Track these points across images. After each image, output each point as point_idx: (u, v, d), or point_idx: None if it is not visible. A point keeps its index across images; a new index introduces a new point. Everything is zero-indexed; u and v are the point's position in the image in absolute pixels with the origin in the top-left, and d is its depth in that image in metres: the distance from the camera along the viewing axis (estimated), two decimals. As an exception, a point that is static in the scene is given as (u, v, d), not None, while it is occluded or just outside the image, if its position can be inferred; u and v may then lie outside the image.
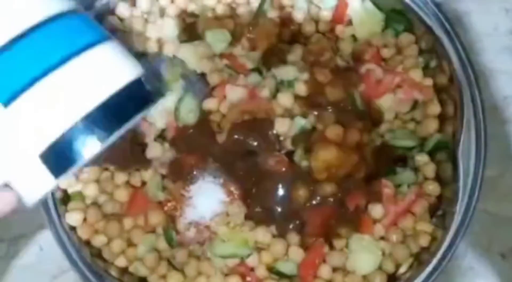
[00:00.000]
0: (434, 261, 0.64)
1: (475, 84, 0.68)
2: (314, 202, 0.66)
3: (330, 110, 0.67)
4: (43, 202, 0.68)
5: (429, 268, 0.64)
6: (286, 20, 0.76)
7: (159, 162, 0.70)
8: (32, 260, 0.74)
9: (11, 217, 0.38)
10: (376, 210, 0.67)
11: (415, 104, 0.71)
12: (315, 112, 0.67)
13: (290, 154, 0.68)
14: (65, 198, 0.70)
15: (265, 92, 0.69)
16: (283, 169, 0.67)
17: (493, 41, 0.78)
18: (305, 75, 0.68)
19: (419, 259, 0.67)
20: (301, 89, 0.68)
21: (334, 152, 0.63)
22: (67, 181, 0.69)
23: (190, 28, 0.74)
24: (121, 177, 0.70)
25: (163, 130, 0.71)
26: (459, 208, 0.65)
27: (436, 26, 0.69)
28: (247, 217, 0.68)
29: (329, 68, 0.68)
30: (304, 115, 0.68)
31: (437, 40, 0.69)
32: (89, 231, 0.68)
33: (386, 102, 0.70)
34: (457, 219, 0.65)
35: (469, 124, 0.66)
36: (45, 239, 0.73)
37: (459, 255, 0.69)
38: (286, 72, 0.69)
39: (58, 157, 0.35)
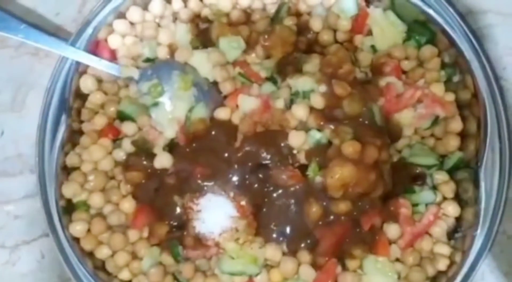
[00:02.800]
0: (453, 286, 0.61)
1: (500, 100, 0.65)
2: (327, 220, 0.64)
3: (347, 124, 0.64)
4: (46, 211, 0.66)
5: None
6: (303, 28, 0.73)
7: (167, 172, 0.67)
8: (33, 267, 0.72)
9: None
10: (392, 231, 0.64)
11: (436, 120, 0.68)
12: (332, 126, 0.64)
13: (303, 168, 0.65)
14: (69, 207, 0.67)
15: (279, 103, 0.66)
16: (296, 184, 0.65)
17: (519, 56, 0.74)
18: (323, 87, 0.65)
19: (435, 283, 0.64)
20: (318, 101, 0.65)
21: (351, 170, 0.60)
22: (72, 190, 0.66)
23: (204, 34, 0.72)
24: (127, 188, 0.67)
25: (172, 140, 0.68)
26: (481, 230, 0.62)
27: (460, 39, 0.66)
28: (257, 233, 0.65)
29: (348, 81, 0.65)
30: (320, 129, 0.65)
31: (461, 53, 0.67)
32: (93, 242, 0.66)
33: (406, 118, 0.67)
34: (477, 242, 0.62)
35: (493, 143, 0.64)
36: (48, 246, 0.71)
37: (477, 278, 0.65)
38: (302, 83, 0.67)
39: None
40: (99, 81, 0.71)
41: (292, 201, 0.65)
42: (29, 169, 0.73)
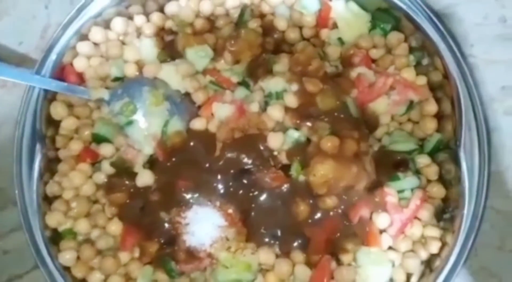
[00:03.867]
0: (447, 267, 0.61)
1: (470, 78, 0.65)
2: (316, 217, 0.64)
3: (323, 120, 0.63)
4: (33, 244, 0.65)
5: (442, 276, 0.61)
6: (268, 29, 0.73)
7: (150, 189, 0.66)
8: (26, 301, 0.71)
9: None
10: (381, 220, 0.64)
11: (410, 105, 0.68)
12: (309, 124, 0.64)
13: (286, 169, 0.65)
14: (56, 237, 0.66)
15: (254, 107, 0.66)
16: (281, 185, 0.64)
17: (485, 31, 0.74)
18: (294, 86, 0.65)
19: (430, 267, 0.64)
20: (291, 100, 0.65)
21: (332, 165, 0.60)
22: (56, 219, 0.66)
23: (170, 46, 0.71)
24: (111, 210, 0.67)
25: (151, 156, 0.67)
26: (467, 209, 0.62)
27: (424, 22, 0.67)
28: (248, 239, 0.65)
29: (319, 76, 0.65)
30: (297, 128, 0.65)
31: (427, 36, 0.67)
32: (84, 269, 0.65)
33: (381, 106, 0.67)
34: (466, 221, 0.62)
35: (468, 121, 0.64)
36: (42, 278, 0.70)
37: (470, 256, 0.65)
38: (274, 84, 0.66)
39: None
40: (70, 106, 0.70)
41: (279, 202, 0.65)
42: (12, 202, 0.72)
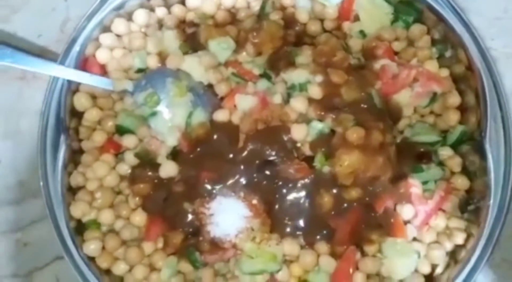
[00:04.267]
0: (473, 259, 0.61)
1: (495, 70, 0.65)
2: (340, 208, 0.64)
3: (347, 112, 0.64)
4: (58, 234, 0.65)
5: (468, 267, 0.61)
6: (289, 21, 0.73)
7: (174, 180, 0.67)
8: (49, 292, 0.71)
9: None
10: (405, 211, 0.64)
11: (433, 97, 0.68)
12: (332, 115, 0.64)
13: (309, 160, 0.65)
14: (80, 228, 0.66)
15: (277, 98, 0.66)
16: (305, 177, 0.64)
17: (505, 25, 0.75)
18: (319, 78, 0.65)
19: (455, 258, 0.64)
20: (315, 92, 0.65)
21: (359, 156, 0.60)
22: (80, 210, 0.66)
23: (191, 39, 0.71)
24: (135, 201, 0.67)
25: (174, 148, 0.67)
26: (494, 200, 0.62)
27: (448, 13, 0.67)
28: (272, 230, 0.65)
29: (343, 68, 0.65)
30: (321, 119, 0.65)
31: (451, 28, 0.67)
32: (109, 259, 0.65)
33: (404, 98, 0.67)
34: (492, 212, 0.62)
35: (494, 112, 0.64)
36: (61, 270, 0.70)
37: (495, 247, 0.65)
38: (297, 75, 0.66)
39: None
40: (93, 97, 0.70)
41: (303, 193, 0.65)
42: (32, 194, 0.72)
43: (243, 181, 0.65)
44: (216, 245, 0.64)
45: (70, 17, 0.78)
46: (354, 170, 0.61)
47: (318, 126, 0.64)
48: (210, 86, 0.69)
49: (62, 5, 0.79)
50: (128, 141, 0.68)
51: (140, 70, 0.70)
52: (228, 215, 0.64)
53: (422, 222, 0.64)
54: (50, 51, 0.76)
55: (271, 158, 0.65)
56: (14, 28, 0.78)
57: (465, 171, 0.67)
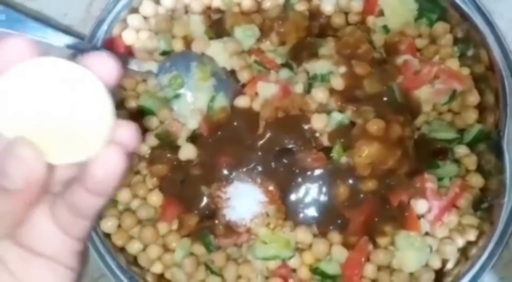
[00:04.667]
0: (484, 256, 0.62)
1: (516, 71, 0.66)
2: (355, 199, 0.64)
3: (368, 104, 0.64)
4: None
5: (478, 264, 0.62)
6: (314, 13, 0.73)
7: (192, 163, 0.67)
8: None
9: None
10: (420, 206, 0.65)
11: (453, 95, 0.69)
12: (353, 107, 0.65)
13: (326, 151, 0.65)
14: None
15: (298, 88, 0.67)
16: (321, 166, 0.65)
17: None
18: (342, 69, 0.66)
19: (466, 254, 0.65)
20: (338, 83, 0.66)
21: (378, 147, 0.61)
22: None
23: (217, 25, 0.72)
24: (153, 181, 0.68)
25: (194, 131, 0.68)
26: (508, 199, 0.63)
27: (473, 12, 0.67)
28: (286, 217, 0.66)
29: (367, 60, 0.66)
30: (341, 110, 0.65)
31: (474, 27, 0.67)
32: (124, 237, 0.66)
33: (424, 94, 0.68)
34: (506, 211, 0.63)
35: (512, 112, 0.65)
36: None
37: (506, 246, 0.66)
38: (320, 66, 0.67)
39: None
40: (117, 77, 0.71)
41: (319, 183, 0.66)
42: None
43: (260, 167, 0.66)
44: (230, 229, 0.65)
45: (96, -2, 0.79)
46: (372, 160, 0.62)
47: (338, 117, 0.65)
48: (232, 72, 0.70)
49: (89, -14, 0.80)
50: (149, 122, 0.69)
51: (165, 53, 0.70)
52: (244, 199, 0.65)
53: (436, 217, 0.65)
54: (75, 30, 0.77)
55: (289, 146, 0.66)
56: (40, 7, 0.78)
57: (480, 169, 0.67)
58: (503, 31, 0.72)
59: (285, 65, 0.70)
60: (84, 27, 0.76)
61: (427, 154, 0.68)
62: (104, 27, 0.70)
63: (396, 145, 0.62)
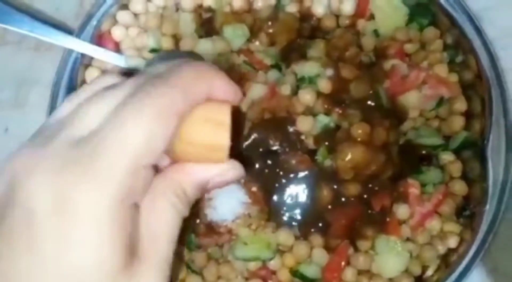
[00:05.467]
0: (464, 263, 0.62)
1: (504, 79, 0.66)
2: (338, 203, 0.64)
3: (354, 107, 0.64)
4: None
5: (459, 270, 0.62)
6: (305, 15, 0.73)
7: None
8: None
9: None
10: (402, 211, 0.65)
11: (440, 101, 0.69)
12: (339, 110, 0.65)
13: (311, 153, 0.65)
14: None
15: (286, 89, 0.66)
16: (306, 169, 0.65)
17: (515, 37, 0.75)
18: (329, 71, 0.65)
19: (446, 261, 0.65)
20: (325, 86, 0.65)
21: (362, 151, 0.61)
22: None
23: (207, 23, 0.72)
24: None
25: (180, 129, 0.68)
26: (489, 206, 0.63)
27: (462, 19, 0.67)
28: (269, 219, 0.66)
29: (354, 63, 0.66)
30: (327, 113, 0.65)
31: (463, 34, 0.67)
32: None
33: (411, 99, 0.68)
34: (486, 219, 0.63)
35: (498, 122, 0.65)
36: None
37: (485, 254, 0.66)
38: (308, 68, 0.67)
39: None
40: (105, 73, 0.71)
41: (303, 185, 0.65)
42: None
43: (245, 167, 0.66)
44: (212, 228, 0.65)
45: (89, -9, 0.79)
46: (355, 165, 0.61)
47: (324, 120, 0.65)
48: (221, 71, 0.70)
49: (82, -20, 0.80)
50: (135, 118, 0.68)
51: (153, 50, 0.70)
52: (226, 200, 0.65)
53: (418, 223, 0.65)
54: (67, 25, 0.77)
55: (275, 148, 0.66)
56: (31, 1, 0.78)
57: (464, 176, 0.67)
58: (493, 38, 0.72)
59: (274, 66, 0.70)
60: (77, 22, 0.75)
61: (412, 160, 0.68)
62: (93, 22, 0.70)
63: (380, 150, 0.62)
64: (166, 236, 0.35)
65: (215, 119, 0.38)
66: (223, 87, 0.38)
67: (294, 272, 0.64)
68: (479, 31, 0.66)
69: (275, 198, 0.66)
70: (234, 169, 0.40)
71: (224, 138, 0.38)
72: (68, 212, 0.31)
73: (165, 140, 0.34)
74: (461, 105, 0.68)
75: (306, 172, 0.65)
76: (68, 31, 0.72)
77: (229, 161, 0.39)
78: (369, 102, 0.65)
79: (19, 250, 0.31)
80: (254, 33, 0.71)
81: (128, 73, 0.69)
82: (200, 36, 0.71)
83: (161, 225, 0.35)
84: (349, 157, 0.61)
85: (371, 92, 0.65)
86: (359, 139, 0.62)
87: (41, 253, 0.31)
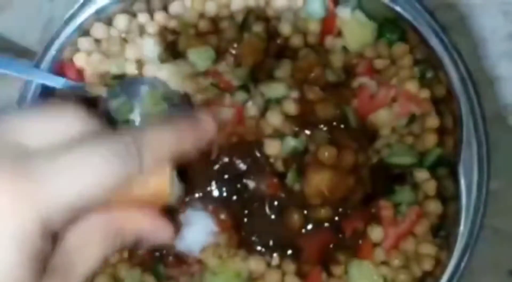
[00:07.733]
0: (439, 285, 0.60)
1: (474, 94, 0.64)
2: (309, 228, 0.63)
3: (322, 129, 0.63)
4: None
5: (434, 294, 0.60)
6: (272, 34, 0.72)
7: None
8: None
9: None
10: (375, 233, 0.63)
11: (412, 118, 0.67)
12: (307, 132, 0.63)
13: (281, 176, 0.64)
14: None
15: (253, 111, 0.65)
16: (275, 193, 0.63)
17: (492, 47, 0.74)
18: (295, 93, 0.64)
19: (422, 284, 0.63)
20: (291, 107, 0.64)
21: (328, 176, 0.59)
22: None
23: (172, 47, 0.71)
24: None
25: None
26: (464, 227, 0.61)
27: (430, 35, 0.65)
28: (239, 246, 0.64)
29: (319, 84, 0.64)
30: (296, 135, 0.64)
31: (432, 50, 0.66)
32: (72, 267, 0.64)
33: (382, 118, 0.66)
34: (461, 239, 0.61)
35: (469, 137, 0.63)
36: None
37: (463, 275, 0.64)
38: (274, 89, 0.65)
39: None
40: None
41: (273, 210, 0.64)
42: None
43: (213, 194, 0.64)
44: (181, 259, 0.63)
45: (54, 17, 0.78)
46: (322, 190, 0.60)
47: (291, 142, 0.63)
48: (186, 96, 0.68)
49: (47, 6, 0.79)
50: (100, 147, 0.67)
51: (116, 77, 0.69)
52: (194, 229, 0.63)
53: (392, 245, 0.63)
54: (32, 52, 0.75)
55: (243, 172, 0.64)
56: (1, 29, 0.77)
57: (439, 195, 0.65)
58: (467, 50, 0.71)
59: (242, 87, 0.68)
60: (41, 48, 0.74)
61: (385, 180, 0.66)
62: (53, 50, 0.68)
63: (349, 173, 0.61)
64: (83, 268, 0.36)
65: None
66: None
67: (267, 301, 0.62)
68: (446, 46, 0.64)
69: (245, 224, 0.64)
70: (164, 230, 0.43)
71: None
72: None
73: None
74: (433, 121, 0.67)
75: (276, 197, 0.64)
76: (33, 58, 0.70)
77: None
78: (336, 123, 0.63)
79: None
80: (220, 54, 0.70)
81: (91, 100, 0.68)
82: (165, 60, 0.69)
83: (81, 258, 0.36)
84: (315, 182, 0.59)
85: (338, 112, 0.63)
86: (326, 163, 0.60)
87: None
